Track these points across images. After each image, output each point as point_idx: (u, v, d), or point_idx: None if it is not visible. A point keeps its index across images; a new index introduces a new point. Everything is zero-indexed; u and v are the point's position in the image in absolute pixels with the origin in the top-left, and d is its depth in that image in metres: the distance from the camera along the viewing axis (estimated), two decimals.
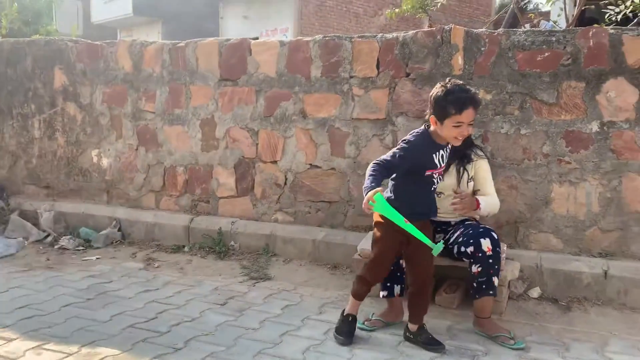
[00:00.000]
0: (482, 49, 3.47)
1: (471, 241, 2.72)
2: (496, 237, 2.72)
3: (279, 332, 2.71)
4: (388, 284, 2.85)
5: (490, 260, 2.67)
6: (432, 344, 2.56)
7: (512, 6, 5.34)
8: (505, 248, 3.11)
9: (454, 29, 3.55)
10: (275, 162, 4.11)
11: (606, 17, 4.19)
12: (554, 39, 3.32)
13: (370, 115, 3.80)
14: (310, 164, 4.00)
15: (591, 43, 3.22)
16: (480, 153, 3.03)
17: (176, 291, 3.32)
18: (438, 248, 2.43)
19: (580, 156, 3.29)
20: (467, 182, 2.94)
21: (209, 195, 4.36)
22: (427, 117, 2.61)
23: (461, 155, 2.94)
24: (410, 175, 2.51)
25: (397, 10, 5.29)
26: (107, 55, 4.68)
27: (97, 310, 2.98)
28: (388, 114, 3.75)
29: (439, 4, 5.16)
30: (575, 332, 2.81)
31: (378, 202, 2.33)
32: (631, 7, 3.95)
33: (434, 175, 2.58)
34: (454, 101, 2.42)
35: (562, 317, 3.00)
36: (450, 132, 2.47)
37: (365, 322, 2.81)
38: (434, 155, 2.54)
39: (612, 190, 3.24)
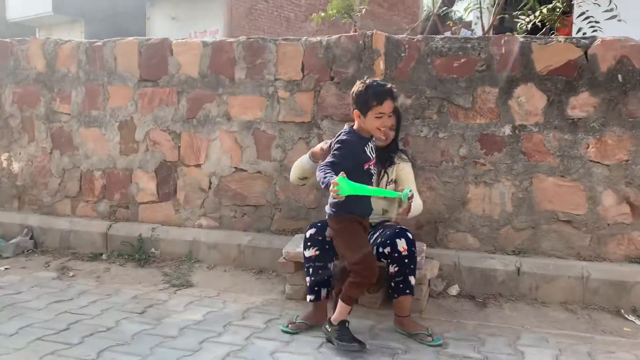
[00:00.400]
0: (403, 54, 3.56)
1: (387, 242, 2.78)
2: (411, 238, 2.78)
3: (199, 340, 2.64)
4: (316, 288, 2.83)
5: (406, 260, 2.73)
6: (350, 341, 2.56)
7: (433, 16, 5.53)
8: (425, 247, 3.20)
9: (375, 34, 3.62)
10: (199, 165, 4.01)
11: (518, 26, 4.42)
12: (469, 45, 3.45)
13: (296, 118, 3.79)
14: (236, 168, 3.94)
15: (503, 50, 3.37)
16: (404, 157, 3.11)
17: (91, 301, 3.16)
18: (405, 194, 2.49)
19: (494, 158, 3.44)
20: (387, 184, 3.00)
21: (128, 200, 4.20)
22: (352, 114, 2.65)
23: (385, 158, 3.00)
24: (352, 173, 2.49)
25: (322, 14, 5.33)
26: (18, 54, 4.41)
27: (3, 323, 2.78)
28: (314, 117, 3.76)
29: (364, 9, 5.25)
30: (491, 327, 2.92)
31: (341, 183, 2.32)
32: (540, 17, 4.19)
33: (370, 167, 2.66)
34: (374, 94, 2.52)
35: (478, 313, 3.11)
36: (373, 123, 2.56)
37: (290, 325, 2.79)
38: (365, 147, 2.62)
39: (523, 191, 3.41)
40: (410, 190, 2.52)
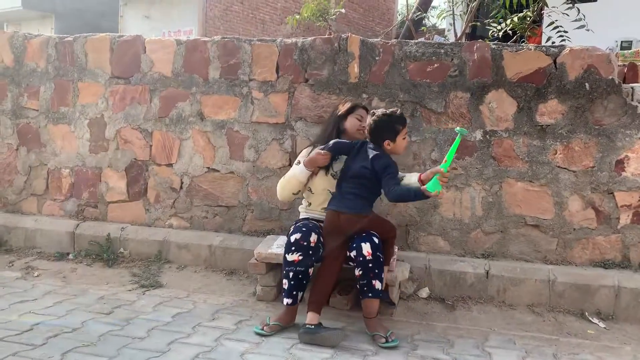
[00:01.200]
0: (377, 58, 3.58)
1: (354, 245, 2.80)
2: (377, 242, 2.80)
3: (167, 341, 2.59)
4: (294, 293, 2.81)
5: (370, 265, 2.74)
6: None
7: (407, 22, 5.60)
8: (396, 250, 3.21)
9: (350, 37, 3.64)
10: (170, 165, 3.96)
11: (489, 33, 4.50)
12: (442, 51, 3.50)
13: (270, 119, 3.78)
14: (208, 168, 3.90)
15: (475, 56, 3.43)
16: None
17: (57, 301, 3.09)
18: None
19: (466, 163, 3.49)
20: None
21: (97, 199, 4.11)
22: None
23: None
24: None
25: (297, 17, 5.34)
26: None
27: None
28: (287, 118, 3.75)
29: (338, 13, 5.28)
30: (460, 329, 2.95)
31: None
32: (511, 25, 4.28)
33: None
34: (399, 119, 2.85)
35: (448, 315, 3.15)
36: (402, 144, 2.89)
37: (264, 328, 2.76)
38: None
39: (493, 195, 3.47)
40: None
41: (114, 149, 4.06)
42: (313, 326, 2.70)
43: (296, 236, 2.81)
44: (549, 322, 3.07)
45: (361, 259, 2.74)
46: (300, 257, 2.79)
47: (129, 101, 4.00)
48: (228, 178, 3.86)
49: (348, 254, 2.84)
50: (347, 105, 3.18)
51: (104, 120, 4.06)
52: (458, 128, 2.66)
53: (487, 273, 3.32)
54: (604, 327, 3.02)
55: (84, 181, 4.13)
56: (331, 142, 2.97)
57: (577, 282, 3.20)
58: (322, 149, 2.95)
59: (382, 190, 2.81)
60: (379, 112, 2.86)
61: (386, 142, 2.83)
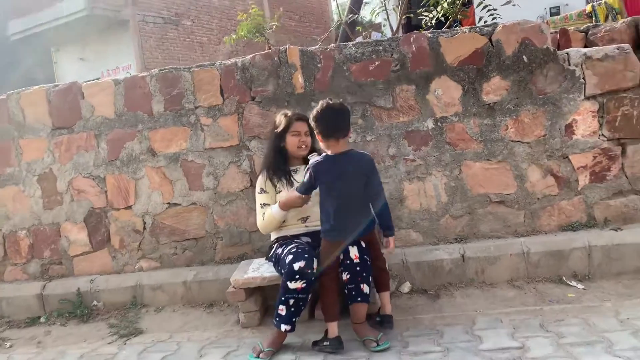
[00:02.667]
0: (319, 65, 3.58)
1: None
2: (363, 245, 2.79)
3: None
4: (293, 320, 2.76)
5: (358, 268, 2.73)
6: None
7: (342, 25, 5.64)
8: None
9: (289, 49, 3.63)
10: (129, 207, 3.86)
11: (423, 22, 4.57)
12: (381, 48, 3.53)
13: (223, 143, 3.73)
14: (169, 203, 3.82)
15: (414, 48, 3.47)
16: None
17: None
18: None
19: (423, 153, 3.52)
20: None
21: (60, 255, 3.97)
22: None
23: None
24: None
25: (234, 37, 5.30)
26: None
27: None
28: (241, 139, 3.71)
29: (274, 26, 5.28)
30: (446, 317, 2.96)
31: None
32: (442, 11, 4.35)
33: None
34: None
35: (432, 305, 3.16)
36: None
37: (261, 355, 2.70)
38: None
39: (455, 179, 3.51)
40: None
41: (69, 201, 3.93)
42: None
43: (300, 264, 2.71)
44: (531, 294, 3.12)
45: (349, 262, 2.73)
46: (304, 285, 2.71)
47: (75, 150, 3.89)
48: (191, 210, 3.79)
49: None
50: (282, 122, 3.12)
51: (53, 174, 3.93)
52: None
53: (463, 257, 3.35)
54: (583, 288, 3.09)
55: (43, 240, 3.98)
56: (305, 181, 2.81)
57: (550, 250, 3.26)
58: (298, 191, 2.86)
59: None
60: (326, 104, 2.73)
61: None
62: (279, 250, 2.92)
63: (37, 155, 3.94)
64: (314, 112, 2.76)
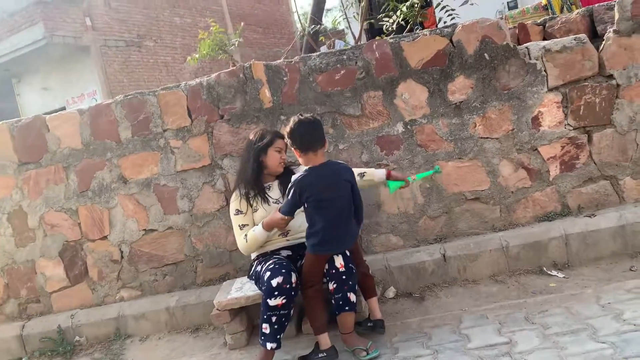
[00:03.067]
0: (285, 78, 3.58)
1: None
2: (348, 255, 2.79)
3: None
4: (278, 337, 2.71)
5: (344, 277, 2.72)
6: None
7: (305, 37, 5.65)
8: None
9: (253, 65, 3.62)
10: (105, 237, 3.79)
11: (384, 28, 4.61)
12: (345, 57, 3.55)
13: (195, 164, 3.70)
14: (145, 229, 3.76)
15: (377, 54, 3.50)
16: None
17: None
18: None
19: (395, 157, 3.54)
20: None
21: (37, 293, 3.88)
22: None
23: (284, 181, 3.07)
24: None
25: (196, 56, 5.27)
26: None
27: None
28: (212, 158, 3.68)
29: (237, 42, 5.26)
30: (433, 319, 2.97)
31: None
32: (402, 16, 4.40)
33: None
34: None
35: (418, 308, 3.17)
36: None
37: None
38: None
39: (429, 181, 3.53)
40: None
41: (42, 237, 3.84)
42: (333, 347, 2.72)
43: (278, 280, 2.68)
44: (513, 287, 3.15)
45: (334, 271, 2.72)
46: (284, 301, 2.68)
47: (44, 184, 3.81)
48: (168, 235, 3.74)
49: None
50: (266, 137, 3.08)
51: (23, 211, 3.84)
52: (437, 167, 3.20)
53: (444, 256, 3.37)
54: (564, 277, 3.13)
55: (18, 278, 3.88)
56: (288, 200, 2.74)
57: (528, 242, 3.30)
58: (282, 212, 2.80)
59: None
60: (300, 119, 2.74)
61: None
62: (259, 268, 2.90)
63: (5, 193, 3.85)
64: (288, 129, 2.74)
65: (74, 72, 13.50)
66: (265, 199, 3.05)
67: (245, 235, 2.99)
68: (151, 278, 3.78)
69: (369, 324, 2.92)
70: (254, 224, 3.03)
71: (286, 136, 2.78)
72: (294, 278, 2.72)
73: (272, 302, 2.67)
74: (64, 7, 12.70)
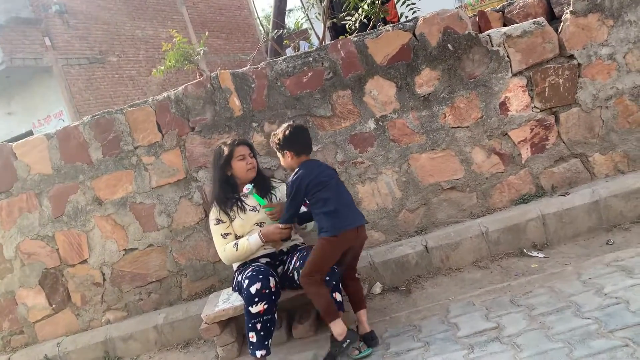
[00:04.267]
0: (253, 85, 3.57)
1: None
2: None
3: None
4: (266, 343, 2.71)
5: (328, 278, 2.73)
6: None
7: (269, 41, 5.64)
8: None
9: (220, 74, 3.60)
10: (84, 261, 3.73)
11: (347, 27, 4.62)
12: (311, 59, 3.55)
13: (170, 178, 3.66)
14: (125, 249, 3.72)
15: (342, 54, 3.51)
16: (277, 181, 3.25)
17: None
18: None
19: (370, 154, 3.56)
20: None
21: (20, 324, 3.80)
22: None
23: (260, 185, 3.11)
24: None
25: (162, 68, 5.22)
26: None
27: None
28: (187, 171, 3.65)
29: (202, 51, 5.22)
30: (421, 311, 2.99)
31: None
32: (364, 13, 4.42)
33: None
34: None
35: (406, 301, 3.19)
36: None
37: None
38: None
39: (405, 174, 3.56)
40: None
41: (20, 267, 3.76)
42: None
43: (256, 286, 2.69)
44: (497, 271, 3.20)
45: None
46: (266, 306, 2.69)
47: (17, 213, 3.73)
48: (149, 252, 3.70)
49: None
50: (224, 152, 3.07)
51: None
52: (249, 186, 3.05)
53: (426, 247, 3.41)
54: (544, 257, 3.19)
55: None
56: (288, 206, 2.77)
57: (507, 225, 3.35)
58: (283, 220, 2.84)
59: None
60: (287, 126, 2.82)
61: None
62: (239, 278, 2.89)
63: None
64: (281, 136, 2.78)
65: (38, 94, 13.21)
66: (242, 209, 3.04)
67: (235, 244, 2.96)
68: (136, 297, 3.74)
69: (360, 343, 2.71)
70: (235, 236, 3.02)
71: (278, 142, 2.80)
72: (272, 282, 2.73)
73: (253, 309, 2.68)
74: (20, 28, 12.42)
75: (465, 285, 3.15)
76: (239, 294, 2.96)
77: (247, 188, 3.04)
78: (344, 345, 2.63)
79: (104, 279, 3.73)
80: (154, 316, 3.61)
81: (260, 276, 2.73)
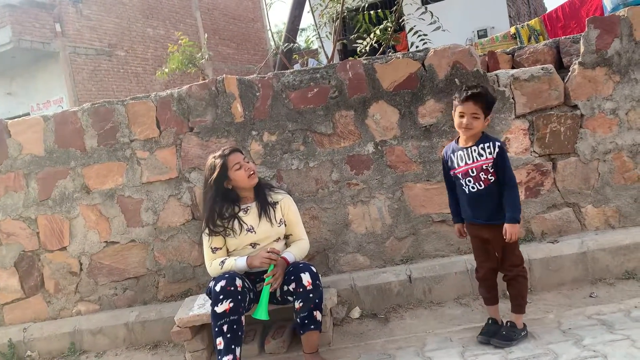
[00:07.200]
0: (257, 94, 3.57)
1: (292, 278, 2.73)
2: (315, 271, 2.77)
3: None
4: (232, 347, 2.60)
5: (311, 295, 2.69)
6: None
7: (279, 55, 5.67)
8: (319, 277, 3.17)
9: (226, 78, 3.59)
10: (64, 248, 3.66)
11: (358, 50, 4.66)
12: (318, 75, 3.56)
13: (162, 176, 3.63)
14: (106, 242, 3.66)
15: (350, 74, 3.52)
16: (279, 191, 3.09)
17: None
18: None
19: (365, 176, 3.55)
20: (278, 224, 2.96)
21: None
22: None
23: (261, 202, 2.97)
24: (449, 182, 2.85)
25: (166, 70, 5.21)
26: None
27: None
28: (180, 171, 3.62)
29: (207, 56, 5.24)
30: (397, 340, 2.96)
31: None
32: (375, 38, 4.46)
33: (457, 175, 2.72)
34: (459, 91, 2.67)
35: (383, 329, 3.15)
36: (456, 120, 2.68)
37: None
38: (452, 155, 2.76)
39: (397, 201, 3.55)
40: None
41: None
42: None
43: (221, 284, 2.65)
44: (477, 310, 3.17)
45: (301, 290, 2.69)
46: (232, 305, 2.62)
47: (2, 191, 3.68)
48: (130, 247, 3.64)
49: (285, 288, 2.76)
50: (217, 165, 2.88)
51: None
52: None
53: (410, 277, 3.38)
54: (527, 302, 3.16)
55: None
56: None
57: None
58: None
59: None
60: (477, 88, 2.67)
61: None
62: (211, 284, 2.79)
63: None
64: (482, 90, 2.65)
65: (41, 78, 13.19)
66: (240, 226, 2.91)
67: (222, 262, 2.88)
68: (111, 292, 3.67)
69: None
70: (227, 249, 2.96)
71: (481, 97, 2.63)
72: (238, 282, 2.68)
73: (219, 308, 2.62)
74: (33, 11, 12.46)
75: (444, 320, 3.11)
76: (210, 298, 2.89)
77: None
78: (522, 334, 2.68)
79: (81, 269, 3.67)
80: (127, 313, 3.54)
81: (227, 275, 2.70)
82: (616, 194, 3.49)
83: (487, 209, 2.67)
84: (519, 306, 2.72)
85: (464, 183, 2.70)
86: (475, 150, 2.65)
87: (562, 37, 4.30)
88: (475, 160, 2.65)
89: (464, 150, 2.68)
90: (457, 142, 2.76)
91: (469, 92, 2.61)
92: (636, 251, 3.27)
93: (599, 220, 3.50)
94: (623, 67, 3.46)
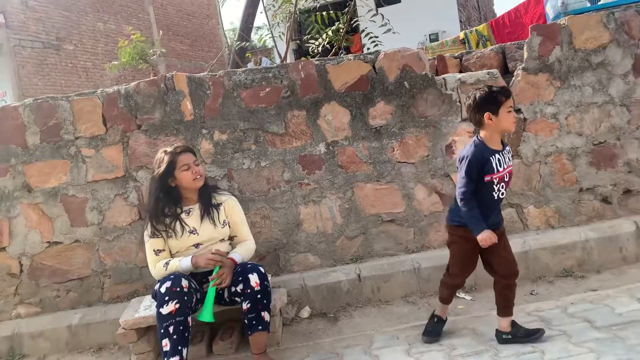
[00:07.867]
0: (208, 92, 3.53)
1: (240, 279, 2.71)
2: (263, 272, 2.76)
3: None
4: (179, 348, 2.56)
5: (259, 296, 2.68)
6: (533, 334, 2.60)
7: (232, 53, 5.62)
8: (269, 278, 3.17)
9: (175, 75, 3.54)
10: (3, 249, 3.51)
11: (310, 49, 4.67)
12: (271, 74, 3.55)
13: (108, 175, 3.53)
14: (49, 242, 3.53)
15: (302, 75, 3.53)
16: (223, 192, 3.06)
17: None
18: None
19: (317, 176, 3.56)
20: (222, 226, 2.93)
21: None
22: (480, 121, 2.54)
23: (205, 204, 2.93)
24: (478, 189, 2.54)
25: (116, 63, 5.08)
26: None
27: None
28: (127, 170, 3.54)
29: (159, 52, 5.14)
30: (346, 339, 2.99)
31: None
32: (327, 39, 4.48)
33: (493, 181, 2.53)
34: (502, 90, 2.53)
35: (332, 328, 3.18)
36: (508, 119, 2.51)
37: None
38: (491, 158, 2.51)
39: (348, 201, 3.58)
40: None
41: None
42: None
43: (167, 285, 2.61)
44: (424, 308, 3.24)
45: (249, 291, 2.67)
46: (177, 306, 2.58)
47: None
48: (74, 248, 3.53)
49: (233, 289, 2.73)
50: (164, 162, 2.81)
51: None
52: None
53: (359, 276, 3.42)
54: (471, 299, 3.26)
55: None
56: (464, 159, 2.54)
57: (438, 265, 3.37)
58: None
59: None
60: (479, 88, 2.56)
61: (487, 114, 2.49)
62: (157, 286, 2.74)
63: None
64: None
65: None
66: (181, 228, 2.86)
67: (166, 263, 2.83)
68: (53, 294, 3.54)
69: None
70: (170, 251, 2.91)
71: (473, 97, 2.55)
72: (184, 283, 2.65)
73: (164, 310, 2.59)
74: None
75: (392, 319, 3.17)
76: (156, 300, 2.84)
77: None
78: (512, 334, 2.64)
79: (21, 271, 3.53)
80: (70, 315, 3.43)
81: (172, 276, 2.67)
82: (556, 195, 3.64)
83: (500, 213, 2.71)
84: (508, 308, 2.70)
85: (496, 188, 2.56)
86: (506, 153, 2.60)
87: (508, 43, 4.45)
88: (508, 165, 2.58)
89: (499, 153, 2.55)
90: (484, 144, 2.54)
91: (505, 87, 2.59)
92: (574, 250, 3.42)
93: (540, 221, 3.64)
94: (563, 74, 3.61)
